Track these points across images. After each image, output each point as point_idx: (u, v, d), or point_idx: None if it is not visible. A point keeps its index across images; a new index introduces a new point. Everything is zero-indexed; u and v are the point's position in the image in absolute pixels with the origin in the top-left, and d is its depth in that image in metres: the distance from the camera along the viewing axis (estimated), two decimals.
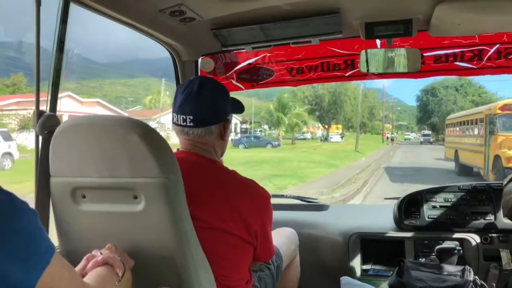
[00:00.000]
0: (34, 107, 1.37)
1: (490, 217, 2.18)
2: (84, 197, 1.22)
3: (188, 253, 1.20)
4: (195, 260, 1.22)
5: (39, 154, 1.36)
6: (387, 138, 56.24)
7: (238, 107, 1.59)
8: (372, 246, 2.34)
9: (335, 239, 2.36)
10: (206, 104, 1.41)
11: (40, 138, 1.36)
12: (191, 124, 1.39)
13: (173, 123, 1.44)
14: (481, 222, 2.18)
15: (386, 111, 73.87)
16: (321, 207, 2.73)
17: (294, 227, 2.13)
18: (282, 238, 1.94)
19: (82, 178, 1.20)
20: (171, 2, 1.62)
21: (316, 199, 2.96)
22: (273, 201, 1.56)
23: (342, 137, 55.22)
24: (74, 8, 1.47)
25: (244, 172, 1.50)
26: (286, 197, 2.92)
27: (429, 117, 62.63)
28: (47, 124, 1.34)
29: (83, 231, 1.26)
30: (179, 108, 1.40)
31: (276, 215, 1.58)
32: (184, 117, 1.39)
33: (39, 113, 1.36)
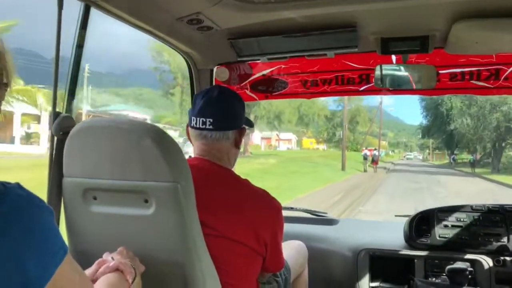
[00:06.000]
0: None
1: (503, 239, 2.14)
2: (95, 198, 1.23)
3: (196, 259, 1.19)
4: (202, 266, 1.21)
5: (53, 154, 1.38)
6: (365, 158, 31.14)
7: (249, 122, 1.63)
8: (381, 263, 2.30)
9: (344, 254, 2.33)
10: (225, 109, 1.45)
11: (55, 138, 1.38)
12: (210, 127, 1.42)
13: (191, 126, 1.47)
14: (494, 244, 2.13)
15: (371, 122, 52.21)
16: (330, 221, 2.70)
17: (303, 240, 2.12)
18: (291, 251, 1.92)
19: (94, 179, 1.21)
20: (189, 10, 1.64)
21: (326, 213, 2.93)
22: (283, 213, 1.55)
23: None
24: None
25: None
26: (296, 209, 2.90)
27: (443, 124, 36.89)
28: (62, 125, 1.36)
29: (93, 232, 1.26)
30: (199, 111, 1.43)
31: (285, 227, 1.58)
32: (204, 120, 1.42)
33: (56, 114, 1.38)
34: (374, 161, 31.28)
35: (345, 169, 27.70)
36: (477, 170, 31.99)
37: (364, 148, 35.90)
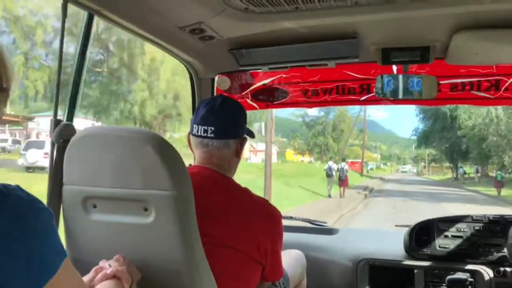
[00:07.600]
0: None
1: (504, 250, 2.12)
2: (95, 206, 1.23)
3: (195, 269, 1.19)
4: (201, 276, 1.21)
5: (54, 162, 1.38)
6: (329, 175, 19.51)
7: (250, 133, 1.64)
8: (381, 273, 2.29)
9: (343, 264, 2.32)
10: (227, 118, 1.47)
11: (56, 146, 1.38)
12: (212, 135, 1.43)
13: (193, 134, 1.48)
14: (494, 254, 2.12)
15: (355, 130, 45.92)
16: (330, 231, 2.69)
17: (302, 249, 2.11)
18: (290, 260, 1.91)
19: (94, 187, 1.21)
20: (192, 20, 1.65)
21: (325, 222, 2.92)
22: (282, 222, 1.55)
23: None
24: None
25: None
26: (295, 219, 2.89)
27: (446, 128, 29.27)
28: (63, 132, 1.36)
29: (92, 240, 1.26)
30: (201, 119, 1.44)
31: (284, 236, 1.57)
32: (206, 128, 1.43)
33: (56, 122, 1.39)
34: (341, 180, 19.53)
35: (271, 197, 13.09)
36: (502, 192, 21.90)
37: (352, 161, 24.25)
